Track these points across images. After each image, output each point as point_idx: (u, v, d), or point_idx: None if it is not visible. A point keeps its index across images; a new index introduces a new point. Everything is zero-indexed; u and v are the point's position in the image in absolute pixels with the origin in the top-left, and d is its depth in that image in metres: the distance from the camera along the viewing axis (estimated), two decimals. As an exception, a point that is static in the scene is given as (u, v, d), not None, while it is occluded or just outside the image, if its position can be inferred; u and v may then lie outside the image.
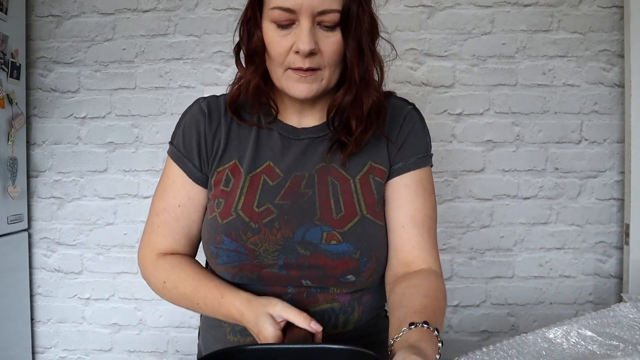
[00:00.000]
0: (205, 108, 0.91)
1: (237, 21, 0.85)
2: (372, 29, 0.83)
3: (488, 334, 1.84)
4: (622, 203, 1.78)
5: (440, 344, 0.67)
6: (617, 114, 1.78)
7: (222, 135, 0.90)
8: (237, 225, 0.83)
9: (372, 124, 0.86)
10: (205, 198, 0.90)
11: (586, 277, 1.82)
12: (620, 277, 1.79)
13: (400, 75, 1.78)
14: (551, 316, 1.83)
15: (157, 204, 0.92)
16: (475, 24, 1.78)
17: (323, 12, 0.76)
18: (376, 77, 0.86)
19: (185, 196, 0.90)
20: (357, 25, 0.79)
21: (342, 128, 0.86)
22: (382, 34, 0.86)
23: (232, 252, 0.83)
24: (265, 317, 0.77)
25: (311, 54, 0.78)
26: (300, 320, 0.77)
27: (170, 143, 0.93)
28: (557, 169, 1.80)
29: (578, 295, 1.82)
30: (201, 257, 0.93)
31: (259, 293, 0.84)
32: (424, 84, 1.79)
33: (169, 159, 0.93)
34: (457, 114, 1.80)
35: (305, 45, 0.76)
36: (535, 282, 1.82)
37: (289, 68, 0.80)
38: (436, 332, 0.69)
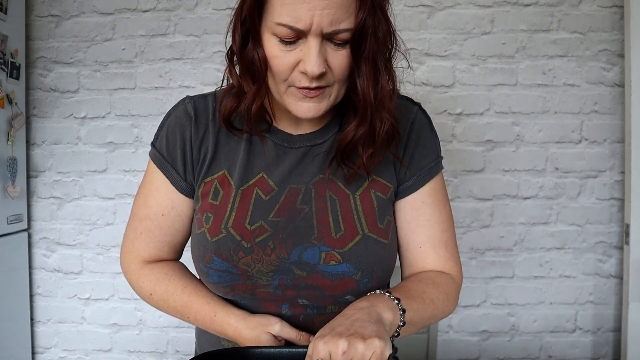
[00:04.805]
0: (191, 110, 0.83)
1: (230, 21, 0.75)
2: (389, 40, 0.73)
3: (488, 334, 1.84)
4: (622, 203, 1.78)
5: (401, 312, 0.71)
6: (617, 114, 1.77)
7: (209, 142, 0.82)
8: (228, 245, 0.78)
9: (383, 151, 0.78)
10: (190, 208, 0.85)
11: (586, 277, 1.81)
12: (620, 277, 1.79)
13: (398, 74, 1.78)
14: (551, 316, 1.83)
15: (140, 209, 0.86)
16: (475, 23, 1.78)
17: (334, 33, 0.68)
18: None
19: (169, 206, 0.84)
20: (373, 40, 0.69)
21: (348, 153, 0.78)
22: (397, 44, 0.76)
23: (223, 272, 0.78)
24: (266, 336, 0.77)
25: (320, 75, 0.69)
26: (300, 340, 0.78)
27: (152, 145, 0.86)
28: (557, 169, 1.80)
29: (578, 295, 1.82)
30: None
31: (253, 310, 0.82)
32: (424, 84, 1.79)
33: (151, 162, 0.86)
34: (457, 114, 1.80)
35: (314, 68, 0.68)
36: (535, 282, 1.82)
37: (293, 86, 0.72)
38: (394, 299, 0.72)
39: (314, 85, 0.70)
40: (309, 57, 0.68)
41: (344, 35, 0.68)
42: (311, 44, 0.68)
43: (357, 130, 0.75)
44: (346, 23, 0.67)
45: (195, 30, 1.82)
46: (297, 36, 0.68)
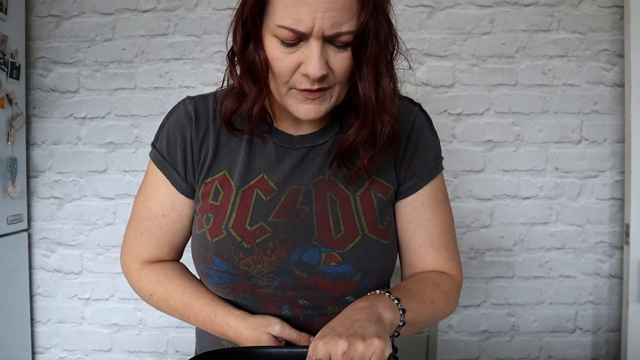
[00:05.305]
0: (192, 111, 0.82)
1: (231, 22, 0.74)
2: (391, 42, 0.73)
3: (488, 334, 1.84)
4: (622, 203, 1.78)
5: (401, 312, 0.71)
6: (617, 114, 1.77)
7: (210, 143, 0.82)
8: (228, 245, 0.78)
9: (384, 152, 0.78)
10: (190, 208, 0.85)
11: (586, 277, 1.81)
12: (620, 277, 1.79)
13: (399, 75, 1.78)
14: (551, 316, 1.83)
15: (140, 210, 0.86)
16: (475, 24, 1.78)
17: (336, 35, 0.67)
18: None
19: (170, 206, 0.84)
20: (374, 42, 0.69)
21: (349, 154, 0.78)
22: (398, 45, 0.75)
23: (223, 273, 0.79)
24: (267, 336, 0.77)
25: (321, 77, 0.69)
26: (300, 340, 0.78)
27: (153, 145, 0.86)
28: (557, 169, 1.80)
29: (578, 295, 1.82)
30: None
31: (253, 311, 0.82)
32: (424, 84, 1.79)
33: (151, 162, 0.86)
34: (457, 114, 1.80)
35: (315, 71, 0.67)
36: (535, 282, 1.82)
37: (294, 88, 0.72)
38: (394, 299, 0.71)
39: (315, 87, 0.70)
40: (311, 59, 0.68)
41: (346, 38, 0.68)
42: (312, 46, 0.67)
43: (359, 133, 0.75)
44: (348, 25, 0.67)
45: (195, 30, 1.82)
46: (298, 38, 0.68)
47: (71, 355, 1.91)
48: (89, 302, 1.89)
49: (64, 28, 1.85)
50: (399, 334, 0.72)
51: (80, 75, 1.85)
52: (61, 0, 1.84)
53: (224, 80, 0.80)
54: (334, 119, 0.84)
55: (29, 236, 1.88)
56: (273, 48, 0.70)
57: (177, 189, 0.84)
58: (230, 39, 0.75)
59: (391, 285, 0.90)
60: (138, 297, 1.94)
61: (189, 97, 0.85)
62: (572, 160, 1.79)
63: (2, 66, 1.69)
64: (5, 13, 1.70)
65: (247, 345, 0.77)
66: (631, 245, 1.67)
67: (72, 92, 1.86)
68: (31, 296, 1.89)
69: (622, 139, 1.77)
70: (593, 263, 1.81)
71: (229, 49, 0.77)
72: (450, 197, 1.81)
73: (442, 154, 0.89)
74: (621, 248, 1.78)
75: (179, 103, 0.85)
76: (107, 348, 1.90)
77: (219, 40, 1.81)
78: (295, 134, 0.83)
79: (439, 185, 0.87)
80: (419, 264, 0.85)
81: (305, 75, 0.69)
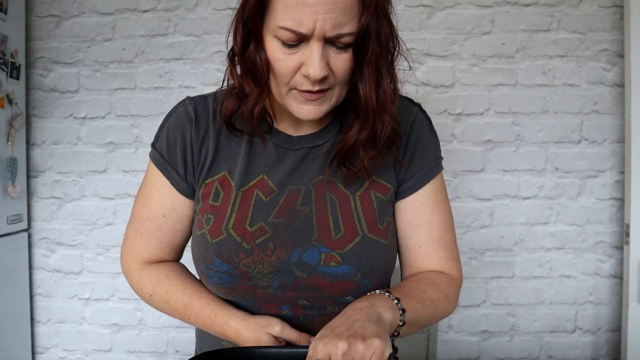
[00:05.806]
0: (191, 112, 0.83)
1: (231, 22, 0.74)
2: (392, 43, 0.74)
3: (488, 334, 1.84)
4: (622, 203, 1.78)
5: (400, 312, 0.71)
6: (617, 114, 1.77)
7: (210, 143, 0.82)
8: (229, 246, 0.78)
9: (384, 153, 0.78)
10: (190, 209, 0.85)
11: (586, 277, 1.82)
12: (620, 277, 1.79)
13: (399, 75, 1.78)
14: (551, 316, 1.83)
15: (140, 210, 0.86)
16: (475, 23, 1.78)
17: (337, 37, 0.67)
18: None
19: (170, 207, 0.84)
20: (375, 43, 0.70)
21: (349, 155, 0.78)
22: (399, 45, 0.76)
23: (223, 273, 0.79)
24: (267, 337, 0.77)
25: (322, 78, 0.69)
26: (300, 341, 0.78)
27: (153, 146, 0.86)
28: (557, 169, 1.80)
29: (578, 295, 1.82)
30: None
31: (253, 311, 0.82)
32: (424, 84, 1.79)
33: (151, 163, 0.86)
34: (457, 114, 1.80)
35: (316, 72, 0.67)
36: (535, 282, 1.82)
37: (295, 89, 0.72)
38: (394, 299, 0.72)
39: (316, 88, 0.70)
40: (312, 60, 0.67)
41: (347, 39, 0.68)
42: (314, 47, 0.67)
43: (359, 134, 0.75)
44: (349, 27, 0.67)
45: (195, 30, 1.82)
46: (299, 39, 0.68)
47: (71, 355, 1.92)
48: (89, 302, 1.89)
49: (64, 28, 1.85)
50: (398, 334, 0.72)
51: (80, 75, 1.85)
52: (61, 0, 1.84)
53: (224, 80, 0.80)
54: (333, 119, 0.84)
55: (29, 236, 1.88)
56: (274, 49, 0.70)
57: (177, 190, 0.84)
58: (230, 39, 0.75)
59: (391, 285, 0.90)
60: (138, 297, 1.94)
61: (188, 98, 0.85)
62: (572, 160, 1.79)
63: (2, 66, 1.69)
64: (5, 13, 1.70)
65: (247, 346, 0.78)
66: (631, 245, 1.67)
67: (72, 92, 1.86)
68: (31, 296, 1.89)
69: (622, 139, 1.77)
70: (593, 263, 1.81)
71: (229, 49, 0.77)
72: (450, 197, 1.81)
73: (442, 154, 0.89)
74: (621, 248, 1.78)
75: (179, 103, 0.85)
76: (107, 348, 1.90)
77: (219, 40, 1.81)
78: (295, 135, 0.83)
79: (438, 186, 0.87)
80: (419, 264, 0.85)
81: (306, 77, 0.69)
